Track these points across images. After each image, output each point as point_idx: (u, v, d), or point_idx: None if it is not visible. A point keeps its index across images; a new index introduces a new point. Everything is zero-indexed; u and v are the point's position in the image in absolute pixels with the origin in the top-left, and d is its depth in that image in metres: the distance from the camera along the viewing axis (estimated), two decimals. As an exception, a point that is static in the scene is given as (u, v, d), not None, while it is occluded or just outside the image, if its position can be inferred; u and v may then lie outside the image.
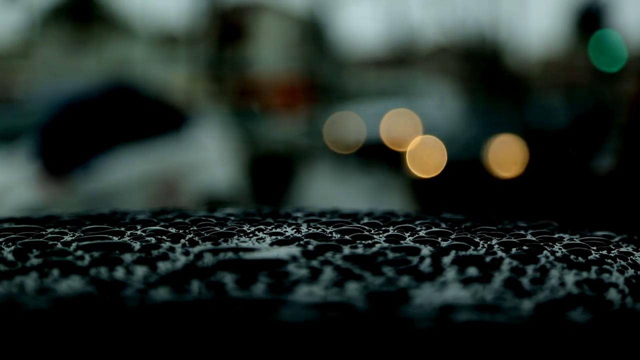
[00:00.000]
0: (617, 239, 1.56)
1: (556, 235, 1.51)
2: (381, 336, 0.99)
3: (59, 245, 1.33)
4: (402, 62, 48.36)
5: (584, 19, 37.64)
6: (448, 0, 47.42)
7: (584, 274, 1.24)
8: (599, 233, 1.61)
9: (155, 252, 1.28)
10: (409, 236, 1.44)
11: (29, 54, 44.62)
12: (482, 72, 39.85)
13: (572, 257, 1.34)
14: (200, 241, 1.37)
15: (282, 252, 1.29)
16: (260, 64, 45.12)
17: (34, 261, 1.24)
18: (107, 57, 45.20)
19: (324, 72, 46.40)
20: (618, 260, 1.35)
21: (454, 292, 1.11)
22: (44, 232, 1.47)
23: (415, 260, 1.26)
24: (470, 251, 1.33)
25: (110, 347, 0.97)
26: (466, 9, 45.53)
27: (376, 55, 52.54)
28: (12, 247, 1.33)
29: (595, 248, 1.42)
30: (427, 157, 15.05)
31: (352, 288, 1.11)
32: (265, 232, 1.47)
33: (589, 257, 1.35)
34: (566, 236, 1.52)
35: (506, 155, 14.89)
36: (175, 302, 1.07)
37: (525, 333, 1.02)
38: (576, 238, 1.50)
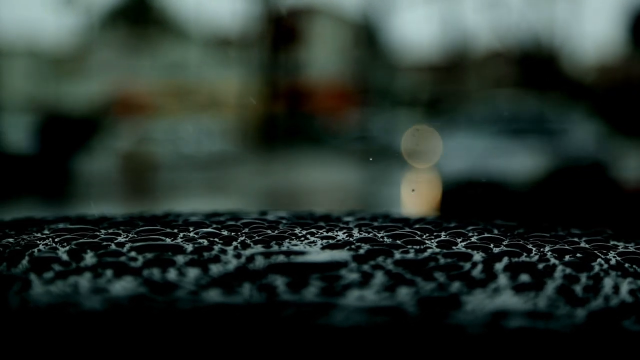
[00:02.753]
0: None
1: (610, 243, 1.49)
2: (432, 341, 0.99)
3: (113, 246, 1.35)
4: (456, 67, 48.10)
5: (638, 24, 37.14)
6: (503, 5, 47.05)
7: (639, 282, 1.23)
8: None
9: (207, 255, 1.29)
10: (460, 242, 1.43)
11: (87, 56, 45.20)
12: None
13: (626, 265, 1.32)
14: (252, 244, 1.38)
15: (334, 256, 1.29)
16: (314, 67, 45.19)
17: (88, 261, 1.25)
18: (162, 59, 45.64)
19: (377, 77, 46.33)
20: None
21: (506, 298, 1.10)
22: (98, 233, 1.48)
23: (467, 266, 1.25)
24: (523, 258, 1.32)
25: (161, 347, 0.98)
26: (521, 14, 45.15)
27: (430, 60, 52.32)
28: (67, 247, 1.34)
29: None
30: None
31: (403, 293, 1.10)
32: (316, 235, 1.47)
33: None
34: (620, 244, 1.50)
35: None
36: (226, 305, 1.07)
37: (578, 341, 1.01)
38: (630, 246, 1.48)
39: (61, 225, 1.58)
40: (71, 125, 25.42)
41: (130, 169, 24.83)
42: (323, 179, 23.59)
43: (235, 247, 1.35)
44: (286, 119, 39.67)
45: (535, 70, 41.59)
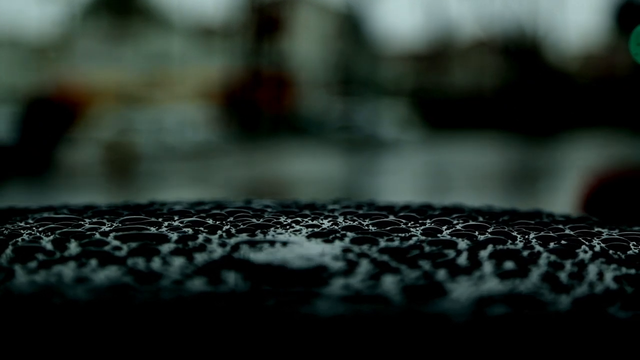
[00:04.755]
0: None
1: (595, 230, 1.50)
2: (417, 329, 0.99)
3: (97, 236, 1.34)
4: (439, 57, 48.15)
5: (623, 13, 37.25)
6: (486, -6, 47.12)
7: (623, 269, 1.23)
8: (638, 228, 1.59)
9: (191, 244, 1.29)
10: (445, 229, 1.43)
11: (69, 46, 45.00)
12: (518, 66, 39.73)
13: (610, 252, 1.33)
14: (236, 233, 1.38)
15: (319, 244, 1.28)
16: (298, 57, 45.14)
17: (72, 251, 1.25)
18: (145, 49, 45.47)
19: (361, 66, 46.33)
20: None
21: (491, 286, 1.11)
22: (82, 222, 1.48)
23: (451, 253, 1.25)
24: (508, 245, 1.32)
25: (146, 336, 0.98)
26: (505, 3, 45.21)
27: (414, 49, 52.32)
28: (51, 237, 1.34)
29: (634, 243, 1.40)
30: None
31: (388, 281, 1.10)
32: (301, 224, 1.47)
33: (628, 252, 1.34)
34: (605, 231, 1.50)
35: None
36: (210, 293, 1.07)
37: (562, 328, 1.01)
38: (615, 233, 1.49)
39: (45, 215, 1.57)
40: (50, 115, 25.51)
41: (113, 159, 24.77)
42: (306, 169, 23.61)
43: (220, 236, 1.34)
44: (269, 108, 39.66)
45: (519, 59, 41.67)
